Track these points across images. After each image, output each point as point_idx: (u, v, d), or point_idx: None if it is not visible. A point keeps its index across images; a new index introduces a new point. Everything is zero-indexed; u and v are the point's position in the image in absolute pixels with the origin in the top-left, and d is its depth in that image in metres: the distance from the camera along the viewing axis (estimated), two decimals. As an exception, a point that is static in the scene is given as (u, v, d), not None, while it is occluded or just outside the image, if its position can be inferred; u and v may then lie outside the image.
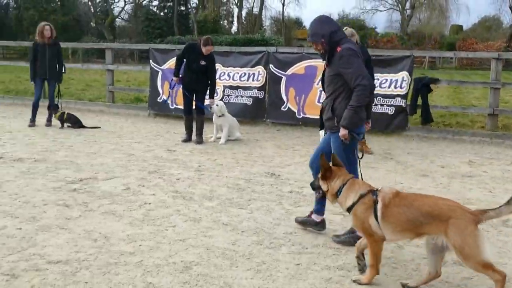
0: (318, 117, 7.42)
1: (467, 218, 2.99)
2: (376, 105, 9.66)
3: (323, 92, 9.71)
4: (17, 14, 57.27)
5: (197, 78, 8.55)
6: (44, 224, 4.43)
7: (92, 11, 58.91)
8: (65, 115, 9.93)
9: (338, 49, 3.98)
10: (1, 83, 18.96)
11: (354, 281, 3.48)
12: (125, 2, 61.63)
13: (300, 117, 10.39)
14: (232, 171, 6.69)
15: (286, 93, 10.52)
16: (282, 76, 10.54)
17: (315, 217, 4.41)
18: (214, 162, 7.20)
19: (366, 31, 42.67)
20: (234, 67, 11.03)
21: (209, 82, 8.66)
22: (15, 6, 59.64)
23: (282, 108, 10.49)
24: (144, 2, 62.06)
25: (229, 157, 7.58)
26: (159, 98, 11.58)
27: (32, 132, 9.23)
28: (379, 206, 3.31)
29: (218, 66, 10.87)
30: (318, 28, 4.05)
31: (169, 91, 10.43)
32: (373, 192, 3.40)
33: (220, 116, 8.74)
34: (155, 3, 60.97)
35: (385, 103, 9.68)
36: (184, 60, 8.63)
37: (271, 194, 5.63)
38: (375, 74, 8.46)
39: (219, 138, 8.84)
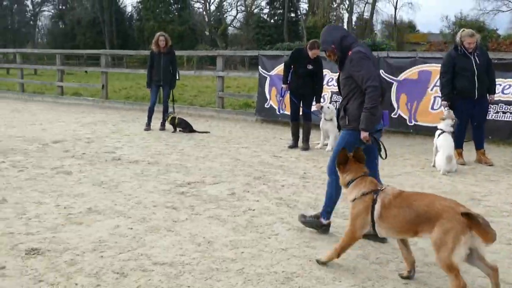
0: (431, 124, 7.03)
1: (456, 220, 3.02)
2: (497, 112, 8.91)
3: (438, 99, 9.19)
4: (139, 25, 61.42)
5: (304, 83, 8.46)
6: (153, 226, 4.57)
7: (206, 20, 61.40)
8: (176, 120, 10.33)
9: (349, 53, 4.12)
10: (123, 90, 20.34)
11: (317, 260, 3.79)
12: (237, 10, 63.67)
13: (412, 124, 9.88)
14: (338, 179, 6.47)
15: (397, 99, 10.07)
16: (393, 81, 10.10)
17: (322, 220, 4.43)
18: (320, 169, 7.04)
19: (486, 33, 39.83)
20: (343, 72, 10.80)
21: (316, 87, 8.53)
22: (137, 18, 63.99)
23: (392, 115, 10.05)
24: (256, 10, 63.52)
25: (335, 165, 7.34)
26: (266, 104, 11.67)
27: (147, 136, 9.72)
28: (377, 206, 3.46)
29: (326, 71, 10.71)
30: (327, 35, 4.25)
31: (279, 99, 10.27)
32: (376, 191, 3.53)
33: (328, 121, 8.57)
34: (266, 10, 62.18)
35: (508, 110, 8.88)
36: (292, 66, 8.59)
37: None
38: (496, 79, 7.78)
39: (326, 144, 8.66)
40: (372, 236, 4.03)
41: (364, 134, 4.12)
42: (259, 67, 12.06)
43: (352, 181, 3.70)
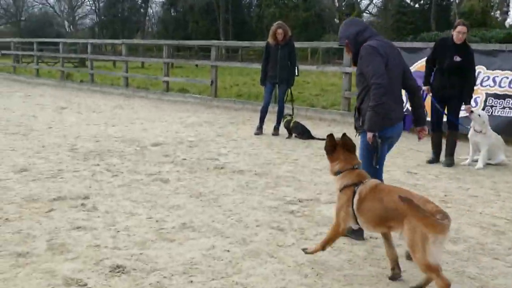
0: None
1: (425, 224, 3.40)
2: None
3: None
4: (258, 12, 62.97)
5: (450, 81, 8.03)
6: (253, 249, 4.59)
7: (336, 5, 61.29)
8: (291, 123, 10.36)
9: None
10: (235, 86, 20.95)
11: (303, 249, 4.36)
12: (374, -7, 62.55)
13: None
14: (490, 206, 6.06)
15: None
16: None
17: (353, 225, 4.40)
18: (466, 192, 6.63)
19: None
20: (502, 70, 10.14)
21: (465, 85, 8.04)
22: (257, 3, 65.65)
23: None
24: (397, -7, 62.02)
25: (487, 187, 6.91)
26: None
27: (257, 141, 9.87)
28: (355, 198, 3.96)
29: (480, 68, 10.16)
30: (342, 31, 4.70)
31: None
32: (358, 184, 4.00)
33: (479, 132, 8.07)
34: (410, -7, 60.41)
35: None
36: (435, 61, 8.21)
37: (542, 244, 4.89)
38: None
39: (476, 161, 8.16)
40: (353, 234, 4.78)
41: (368, 135, 4.49)
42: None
43: (340, 172, 4.17)
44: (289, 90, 10.63)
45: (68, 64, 31.64)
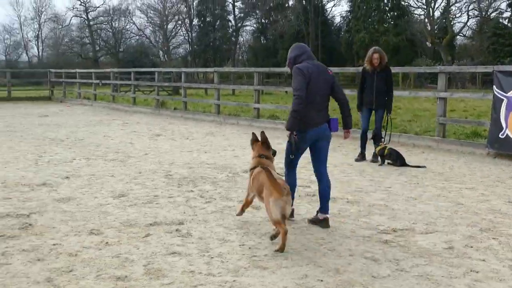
0: None
1: (273, 191, 5.19)
2: None
3: None
4: (347, 38, 62.79)
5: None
6: (346, 279, 4.50)
7: (429, 29, 59.99)
8: (386, 150, 10.18)
9: None
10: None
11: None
12: (468, 16, 60.89)
13: None
14: None
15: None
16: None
17: (319, 215, 6.18)
18: None
19: None
20: None
21: None
22: (346, 29, 65.51)
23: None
24: (493, 14, 60.09)
25: None
26: (501, 133, 10.81)
27: (348, 168, 9.75)
28: (251, 178, 5.85)
29: None
30: (289, 53, 6.30)
31: None
32: (254, 168, 5.88)
33: None
34: (507, 14, 58.20)
35: None
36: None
37: None
38: None
39: None
40: (318, 222, 6.13)
41: (287, 133, 5.97)
42: (494, 86, 11.27)
43: (253, 159, 6.12)
44: (388, 117, 10.47)
45: (163, 92, 32.92)
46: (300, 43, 6.50)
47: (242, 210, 6.18)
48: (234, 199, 7.30)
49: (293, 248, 5.30)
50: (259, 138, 6.20)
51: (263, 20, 74.24)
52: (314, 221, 6.16)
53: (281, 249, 5.17)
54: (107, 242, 5.40)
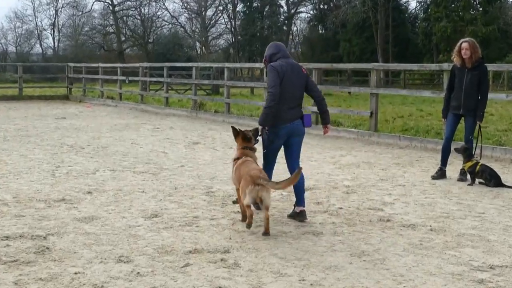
0: None
1: (247, 180, 6.66)
2: None
3: None
4: (425, 27, 62.05)
5: None
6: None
7: (527, 16, 58.73)
8: (477, 167, 9.96)
9: None
10: (399, 119, 20.65)
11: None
12: None
13: None
14: None
15: None
16: None
17: (296, 209, 7.45)
18: None
19: None
20: None
21: None
22: (424, 17, 64.73)
23: None
24: None
25: None
26: None
27: (430, 188, 9.59)
28: (234, 166, 7.31)
29: None
30: (266, 50, 7.72)
31: None
32: (237, 159, 7.30)
33: None
34: None
35: None
36: None
37: None
38: None
39: None
40: (296, 216, 7.42)
41: (259, 127, 7.33)
42: None
43: (237, 150, 7.50)
44: (479, 125, 10.27)
45: (201, 91, 33.18)
46: (276, 42, 8.01)
47: (246, 216, 6.92)
48: (290, 223, 7.26)
49: (364, 285, 5.21)
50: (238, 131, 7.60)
51: (321, 6, 74.24)
52: (292, 216, 7.46)
53: (266, 231, 6.71)
54: (138, 272, 5.43)
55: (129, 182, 9.63)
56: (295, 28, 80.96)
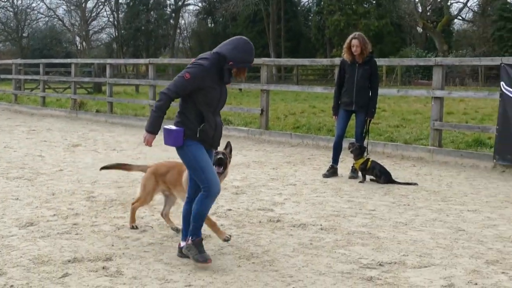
0: None
1: (147, 177, 7.21)
2: None
3: None
4: (318, 21, 63.42)
5: None
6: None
7: (420, 10, 61.20)
8: (368, 164, 10.34)
9: None
10: (291, 116, 21.05)
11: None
12: (467, -5, 62.20)
13: None
14: None
15: None
16: None
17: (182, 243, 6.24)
18: None
19: None
20: None
21: None
22: (317, 10, 66.11)
23: None
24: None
25: None
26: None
27: (322, 186, 9.88)
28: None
29: None
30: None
31: None
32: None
33: None
34: (516, -7, 59.92)
35: None
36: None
37: None
38: None
39: None
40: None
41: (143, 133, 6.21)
42: (502, 83, 11.59)
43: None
44: (368, 122, 10.63)
45: (81, 90, 32.57)
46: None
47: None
48: (178, 225, 7.30)
49: (253, 288, 5.36)
50: None
51: (211, -2, 74.45)
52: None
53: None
54: (12, 286, 5.34)
55: (2, 189, 9.38)
56: (182, 22, 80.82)
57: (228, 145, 6.82)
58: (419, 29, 63.09)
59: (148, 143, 6.18)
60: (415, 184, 10.07)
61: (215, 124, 6.11)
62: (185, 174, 6.65)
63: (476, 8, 64.56)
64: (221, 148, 6.57)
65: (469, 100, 25.56)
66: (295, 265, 6.02)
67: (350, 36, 10.60)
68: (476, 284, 5.54)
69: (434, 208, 8.45)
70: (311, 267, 5.95)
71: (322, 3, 63.38)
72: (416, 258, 6.24)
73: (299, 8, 71.82)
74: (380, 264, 6.04)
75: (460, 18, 66.19)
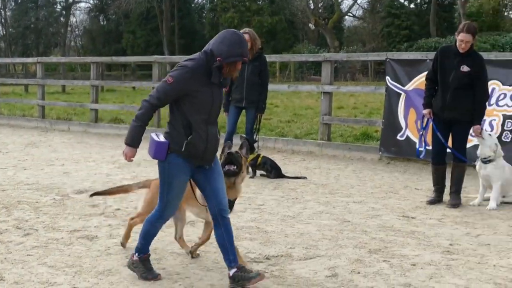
0: None
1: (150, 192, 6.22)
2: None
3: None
4: (212, 18, 63.49)
5: (455, 99, 8.22)
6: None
7: (312, 7, 62.27)
8: (259, 159, 10.45)
9: None
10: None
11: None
12: (358, -8, 63.73)
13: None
14: (506, 256, 6.20)
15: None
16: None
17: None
18: (476, 239, 6.79)
19: None
20: (522, 85, 10.48)
21: (474, 104, 8.26)
22: (210, 7, 66.20)
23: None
24: (387, -9, 63.39)
25: (502, 233, 7.10)
26: (400, 134, 11.53)
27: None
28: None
29: (494, 84, 10.48)
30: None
31: (421, 133, 9.51)
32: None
33: (487, 162, 8.31)
34: (403, -10, 61.91)
35: None
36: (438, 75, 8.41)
37: None
38: None
39: (488, 199, 8.35)
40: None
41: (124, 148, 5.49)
42: (387, 77, 12.00)
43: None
44: (259, 117, 10.70)
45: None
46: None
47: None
48: (63, 228, 7.16)
49: (139, 287, 5.32)
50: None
51: (102, -5, 73.32)
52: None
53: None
54: None
55: None
56: (74, 19, 79.03)
57: (244, 144, 5.97)
58: (311, 26, 64.22)
59: (127, 157, 5.48)
60: (304, 178, 10.27)
61: (207, 136, 5.27)
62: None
63: (366, 5, 66.36)
64: (236, 148, 6.00)
65: (359, 95, 26.22)
66: (183, 262, 6.02)
67: (241, 31, 10.66)
68: (358, 273, 5.70)
69: (321, 201, 8.64)
70: (198, 264, 5.96)
71: (215, 0, 63.58)
72: (302, 250, 6.35)
73: (192, 5, 71.77)
74: (267, 258, 6.12)
75: (350, 15, 67.96)
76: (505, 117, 10.47)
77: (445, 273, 5.70)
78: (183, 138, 5.21)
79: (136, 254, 5.55)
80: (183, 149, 5.20)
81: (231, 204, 5.72)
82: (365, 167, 11.36)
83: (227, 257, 5.36)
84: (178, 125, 5.25)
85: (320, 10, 64.14)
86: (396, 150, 11.66)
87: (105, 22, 73.21)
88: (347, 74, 45.96)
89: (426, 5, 57.97)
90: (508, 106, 10.49)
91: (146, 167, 11.34)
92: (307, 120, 18.01)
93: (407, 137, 11.46)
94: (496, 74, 10.42)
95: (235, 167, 5.63)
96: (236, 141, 10.89)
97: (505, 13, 59.03)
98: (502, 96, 10.59)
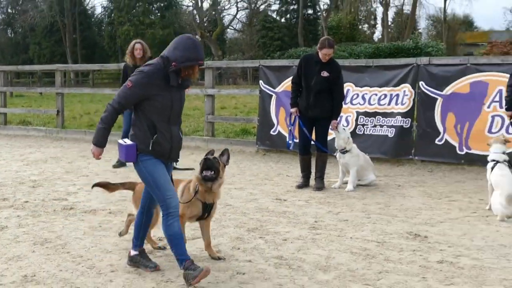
0: (488, 153, 7.32)
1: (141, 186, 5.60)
2: None
3: (495, 119, 9.27)
4: (110, 31, 62.27)
5: (317, 99, 8.47)
6: (107, 298, 4.54)
7: (198, 21, 62.08)
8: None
9: None
10: (85, 116, 20.52)
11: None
12: (237, 8, 64.26)
13: (463, 153, 9.87)
14: (361, 229, 6.46)
15: (443, 120, 10.09)
16: (437, 96, 10.15)
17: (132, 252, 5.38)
18: (337, 216, 7.02)
19: None
20: (370, 87, 10.87)
21: (334, 102, 8.54)
22: (108, 21, 64.90)
23: (436, 141, 10.08)
24: (262, 7, 64.21)
25: (358, 210, 7.36)
26: (273, 130, 11.73)
27: (113, 176, 9.73)
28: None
29: (349, 86, 10.85)
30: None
31: (289, 128, 9.73)
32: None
33: (344, 152, 8.59)
34: (275, 7, 62.87)
35: None
36: (302, 80, 8.63)
37: (412, 264, 5.30)
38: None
39: (346, 182, 8.64)
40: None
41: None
42: (260, 81, 12.20)
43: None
44: None
45: None
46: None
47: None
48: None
49: (45, 270, 5.18)
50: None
51: (9, 10, 70.32)
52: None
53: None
54: None
55: None
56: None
57: (225, 152, 5.61)
58: (198, 37, 63.94)
59: (95, 155, 5.18)
60: (192, 169, 10.25)
61: (171, 135, 5.06)
62: (181, 186, 5.60)
63: (244, 20, 66.81)
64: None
65: (239, 97, 26.31)
66: (85, 246, 5.91)
67: (133, 42, 10.63)
68: (238, 248, 5.79)
69: (207, 189, 8.67)
70: (99, 247, 5.88)
71: (113, 15, 62.41)
72: (191, 231, 6.36)
73: (92, 19, 70.09)
74: (159, 239, 6.08)
75: (231, 28, 68.26)
76: (358, 113, 10.87)
77: (311, 246, 5.87)
78: (149, 138, 4.97)
79: (182, 264, 4.90)
80: (150, 148, 4.97)
81: (208, 208, 5.50)
82: (244, 159, 11.49)
83: (136, 238, 5.35)
84: (142, 126, 5.00)
85: (205, 24, 64.07)
86: (270, 143, 11.88)
87: (12, 35, 70.32)
88: (230, 79, 46.22)
89: (295, 20, 59.07)
90: (361, 104, 10.90)
91: (52, 164, 11.02)
92: (194, 119, 18.02)
93: (279, 132, 11.69)
94: (350, 77, 10.85)
95: (213, 172, 5.33)
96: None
97: (360, 27, 61.10)
98: (355, 96, 10.99)
